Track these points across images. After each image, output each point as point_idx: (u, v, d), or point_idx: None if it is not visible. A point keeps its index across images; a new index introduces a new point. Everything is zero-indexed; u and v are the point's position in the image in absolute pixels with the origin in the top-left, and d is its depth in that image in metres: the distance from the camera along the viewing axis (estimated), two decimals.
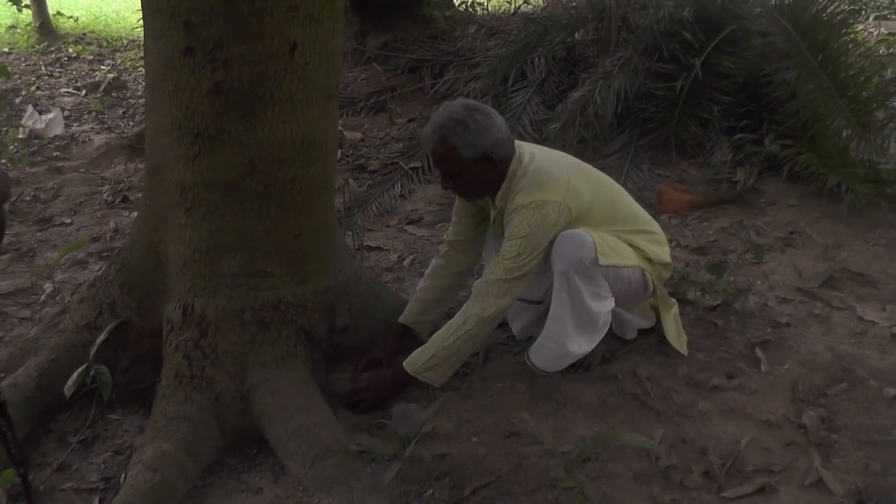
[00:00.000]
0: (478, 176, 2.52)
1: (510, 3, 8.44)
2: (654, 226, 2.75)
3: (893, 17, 9.30)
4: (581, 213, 2.51)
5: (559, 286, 2.50)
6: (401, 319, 2.82)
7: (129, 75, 8.47)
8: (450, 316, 2.66)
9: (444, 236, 2.89)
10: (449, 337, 2.49)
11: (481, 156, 2.47)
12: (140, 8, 2.53)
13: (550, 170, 2.53)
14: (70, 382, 2.49)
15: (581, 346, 2.59)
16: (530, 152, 2.59)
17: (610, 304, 2.57)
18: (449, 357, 2.50)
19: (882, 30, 7.98)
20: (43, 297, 3.42)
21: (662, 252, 2.70)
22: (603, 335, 2.64)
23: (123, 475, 2.26)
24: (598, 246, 2.45)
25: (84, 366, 2.53)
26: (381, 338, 2.81)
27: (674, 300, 2.81)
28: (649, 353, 2.77)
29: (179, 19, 2.31)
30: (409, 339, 2.79)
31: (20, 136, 5.94)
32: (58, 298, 3.33)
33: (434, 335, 2.56)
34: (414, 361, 2.53)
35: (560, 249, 2.46)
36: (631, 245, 2.61)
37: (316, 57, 2.43)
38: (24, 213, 4.50)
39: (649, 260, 2.64)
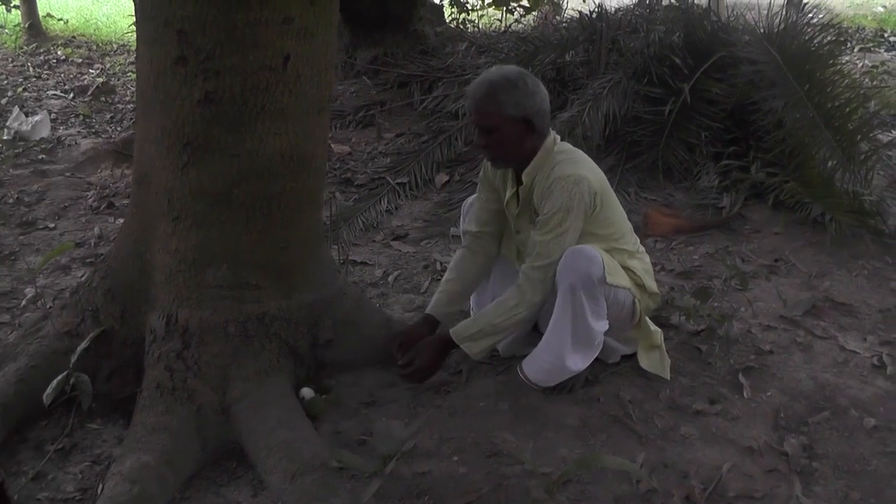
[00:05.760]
0: (513, 138, 2.54)
1: (501, 22, 8.49)
2: (646, 254, 2.79)
3: (878, 49, 9.42)
4: (602, 201, 2.57)
5: (563, 300, 2.51)
6: (429, 311, 2.83)
7: (118, 80, 8.43)
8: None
9: (465, 226, 2.89)
10: (499, 315, 2.57)
11: (522, 118, 2.51)
12: (132, 13, 2.52)
13: (582, 155, 2.63)
14: (49, 390, 2.47)
15: (577, 362, 2.60)
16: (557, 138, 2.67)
17: (606, 324, 2.60)
18: (494, 333, 2.59)
19: (867, 62, 8.08)
20: (24, 302, 3.39)
21: (652, 282, 2.72)
22: (596, 354, 2.66)
23: (101, 486, 2.23)
24: (606, 264, 2.48)
25: (64, 373, 2.50)
26: (409, 328, 2.84)
27: (658, 330, 2.80)
28: (632, 377, 2.77)
29: (173, 27, 2.30)
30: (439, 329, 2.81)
31: (5, 138, 5.89)
32: (39, 304, 3.30)
33: (483, 311, 2.66)
34: (460, 332, 2.61)
35: (569, 264, 2.47)
36: (627, 268, 2.64)
37: (308, 70, 2.44)
38: (7, 216, 4.46)
39: (643, 287, 2.66)
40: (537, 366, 2.65)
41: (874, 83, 6.67)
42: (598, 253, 2.50)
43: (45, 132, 6.09)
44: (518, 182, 2.67)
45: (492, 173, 2.77)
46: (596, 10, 5.66)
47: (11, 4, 10.75)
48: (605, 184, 2.61)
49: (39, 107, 7.01)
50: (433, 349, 2.66)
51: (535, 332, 2.82)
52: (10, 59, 9.43)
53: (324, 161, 2.73)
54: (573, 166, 2.54)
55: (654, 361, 2.75)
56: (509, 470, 2.33)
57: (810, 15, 4.91)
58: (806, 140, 4.32)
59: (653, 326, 2.79)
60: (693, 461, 2.37)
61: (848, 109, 4.39)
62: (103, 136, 6.21)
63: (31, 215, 4.51)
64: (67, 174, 5.24)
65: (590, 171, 2.58)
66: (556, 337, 2.57)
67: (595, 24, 5.43)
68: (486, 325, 2.58)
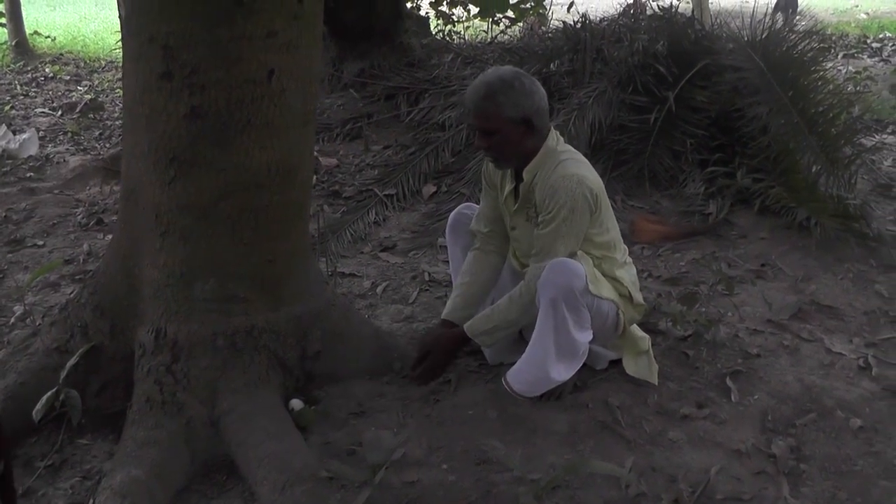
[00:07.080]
0: (514, 139, 2.55)
1: (487, 33, 8.53)
2: (633, 265, 2.81)
3: (861, 55, 9.50)
4: (601, 205, 2.60)
5: (545, 313, 2.52)
6: (445, 316, 2.83)
7: (107, 97, 8.43)
8: None
9: (474, 227, 2.89)
10: (514, 311, 2.62)
11: (522, 119, 2.52)
12: (119, 30, 2.53)
13: (582, 156, 2.65)
14: (39, 406, 2.47)
15: (561, 373, 2.61)
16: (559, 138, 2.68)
17: (590, 335, 2.61)
18: (506, 328, 2.67)
19: (850, 68, 8.15)
20: (13, 320, 3.39)
21: (638, 294, 2.74)
22: (581, 363, 2.67)
23: (92, 501, 2.23)
24: (588, 275, 2.50)
25: (54, 389, 2.50)
26: (425, 335, 2.87)
27: (646, 336, 2.82)
28: (620, 382, 2.79)
29: (158, 43, 2.32)
30: None
31: None
32: (28, 321, 3.29)
33: (495, 307, 2.67)
34: (475, 327, 2.66)
35: (550, 277, 2.49)
36: (615, 279, 2.66)
37: (293, 83, 2.45)
38: None
39: (629, 298, 2.68)
40: (521, 377, 2.67)
41: (857, 88, 6.73)
42: (581, 265, 2.51)
43: (33, 150, 6.09)
44: (518, 178, 2.69)
45: (492, 170, 2.79)
46: (580, 20, 5.69)
47: None
48: (602, 188, 2.63)
49: (27, 125, 7.01)
50: (444, 347, 2.70)
51: (521, 339, 2.83)
52: None
53: (310, 173, 2.74)
54: (576, 166, 2.56)
55: (642, 367, 2.77)
56: (498, 477, 2.34)
57: (797, 19, 4.96)
58: (790, 145, 4.36)
59: (640, 333, 2.81)
60: (681, 465, 2.38)
61: (831, 115, 4.43)
62: (92, 152, 6.20)
63: (20, 233, 4.50)
64: (56, 191, 5.23)
65: (591, 172, 2.60)
66: (539, 349, 2.59)
67: (579, 34, 5.46)
68: (501, 321, 2.63)
